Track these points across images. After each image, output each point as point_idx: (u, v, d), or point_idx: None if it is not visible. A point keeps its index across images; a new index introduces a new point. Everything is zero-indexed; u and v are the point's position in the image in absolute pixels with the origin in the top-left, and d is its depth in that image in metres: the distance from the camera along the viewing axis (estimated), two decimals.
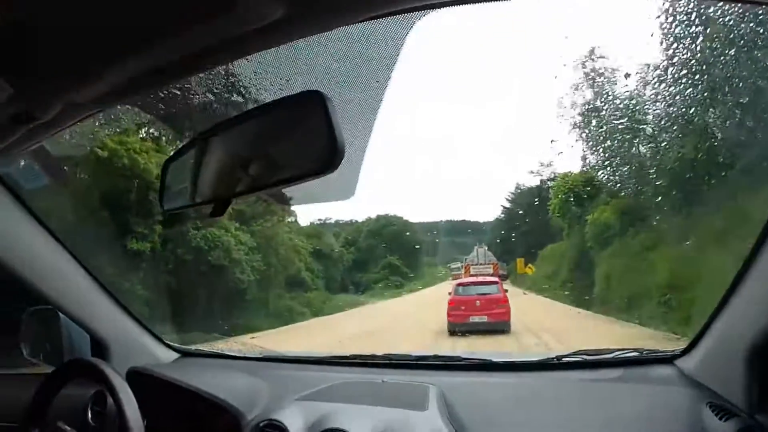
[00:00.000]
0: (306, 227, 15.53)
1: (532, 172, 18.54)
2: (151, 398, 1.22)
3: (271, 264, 11.38)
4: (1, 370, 1.69)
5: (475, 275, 11.07)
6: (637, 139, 7.28)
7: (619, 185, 8.22)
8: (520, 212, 17.49)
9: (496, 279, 9.20)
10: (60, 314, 1.40)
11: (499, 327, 7.51)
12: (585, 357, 1.40)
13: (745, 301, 1.10)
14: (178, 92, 1.46)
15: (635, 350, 1.42)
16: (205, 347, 2.02)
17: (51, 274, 1.38)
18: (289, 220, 14.14)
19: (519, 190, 19.04)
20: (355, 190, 0.94)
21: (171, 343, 1.76)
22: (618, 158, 7.67)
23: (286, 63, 0.95)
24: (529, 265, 13.50)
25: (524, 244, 15.65)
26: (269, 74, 0.99)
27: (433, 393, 1.24)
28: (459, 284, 8.76)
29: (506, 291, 8.33)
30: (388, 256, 17.08)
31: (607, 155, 8.00)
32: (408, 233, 17.91)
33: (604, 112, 7.98)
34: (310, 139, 0.63)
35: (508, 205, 19.60)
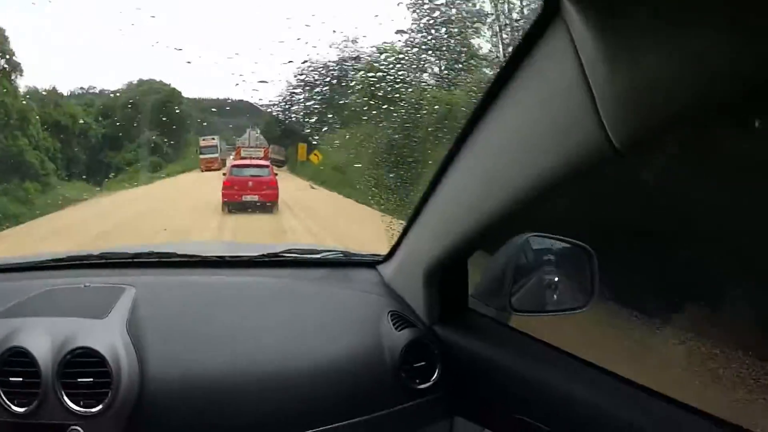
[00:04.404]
0: (40, 92, 11.11)
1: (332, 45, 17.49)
2: None
3: None
4: None
5: (246, 158, 10.76)
6: None
7: None
8: (309, 90, 16.61)
9: (267, 163, 9.69)
10: None
11: (268, 206, 8.47)
12: (296, 255, 1.38)
13: (423, 227, 1.17)
14: None
15: (342, 252, 1.42)
16: None
17: None
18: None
19: (310, 65, 17.88)
20: None
21: None
22: None
23: None
24: (316, 151, 12.86)
25: (308, 127, 15.23)
26: None
27: (126, 296, 1.15)
28: (233, 165, 9.34)
29: (276, 175, 9.06)
30: (146, 131, 14.39)
31: None
32: (175, 106, 15.26)
33: None
34: None
35: (294, 81, 18.31)
